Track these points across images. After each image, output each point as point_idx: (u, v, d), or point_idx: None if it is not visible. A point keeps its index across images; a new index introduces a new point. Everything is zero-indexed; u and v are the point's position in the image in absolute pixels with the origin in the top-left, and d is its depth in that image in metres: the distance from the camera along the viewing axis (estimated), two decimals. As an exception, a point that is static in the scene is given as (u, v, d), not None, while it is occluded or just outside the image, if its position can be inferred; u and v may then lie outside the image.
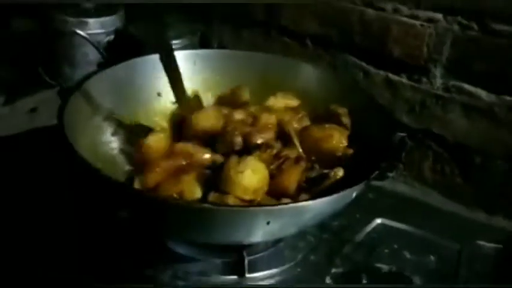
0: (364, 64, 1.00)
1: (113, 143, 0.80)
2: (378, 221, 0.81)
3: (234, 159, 0.70)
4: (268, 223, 0.61)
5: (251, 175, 0.69)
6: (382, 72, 0.98)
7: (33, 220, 0.78)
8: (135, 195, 0.65)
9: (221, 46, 1.16)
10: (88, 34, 1.09)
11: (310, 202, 0.63)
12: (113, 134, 0.81)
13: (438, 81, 0.92)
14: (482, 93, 0.89)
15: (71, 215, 0.78)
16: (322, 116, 0.82)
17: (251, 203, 0.68)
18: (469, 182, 0.93)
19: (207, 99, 0.90)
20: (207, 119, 0.80)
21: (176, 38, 1.10)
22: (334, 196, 0.62)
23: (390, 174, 0.66)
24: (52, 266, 0.70)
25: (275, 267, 0.73)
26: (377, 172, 0.65)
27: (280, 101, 0.85)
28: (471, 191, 0.93)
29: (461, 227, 0.84)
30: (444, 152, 0.95)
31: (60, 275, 0.70)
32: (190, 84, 0.88)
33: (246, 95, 0.87)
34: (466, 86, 0.90)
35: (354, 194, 0.66)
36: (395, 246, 0.77)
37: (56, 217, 0.78)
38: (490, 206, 0.91)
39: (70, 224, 0.77)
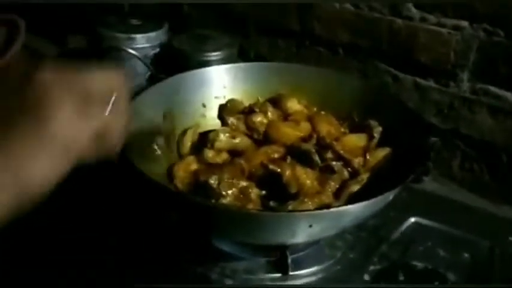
0: (392, 70, 0.97)
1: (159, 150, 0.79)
2: (412, 219, 0.78)
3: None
4: (310, 226, 0.60)
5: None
6: (410, 77, 0.96)
7: (96, 221, 0.77)
8: (190, 202, 0.64)
9: (258, 56, 1.15)
10: (136, 48, 1.09)
11: (349, 206, 0.61)
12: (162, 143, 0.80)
13: (465, 85, 0.89)
14: (508, 94, 0.85)
15: (129, 219, 0.78)
16: (357, 126, 0.81)
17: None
18: (497, 179, 0.90)
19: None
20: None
21: (216, 50, 1.09)
22: (372, 200, 0.61)
23: (425, 178, 0.64)
24: (113, 264, 0.70)
25: (316, 264, 0.72)
26: (413, 176, 0.63)
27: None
28: (498, 188, 0.90)
29: (491, 223, 0.81)
30: (472, 150, 0.92)
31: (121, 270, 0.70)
32: (232, 95, 0.88)
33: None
34: (492, 89, 0.87)
35: (391, 197, 0.64)
36: (429, 244, 0.74)
37: (115, 220, 0.78)
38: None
39: (129, 227, 0.77)
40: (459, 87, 0.90)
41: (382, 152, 0.75)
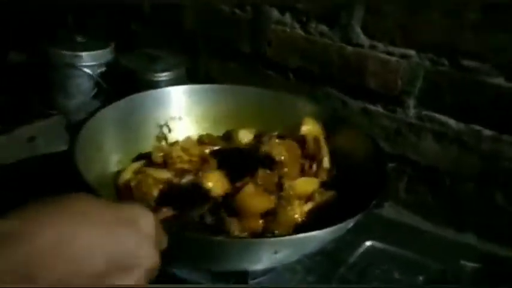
0: (342, 95, 0.99)
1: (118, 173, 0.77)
2: (367, 243, 0.79)
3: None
4: (275, 252, 0.60)
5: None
6: (359, 102, 0.98)
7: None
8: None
9: (208, 78, 1.14)
10: (81, 66, 1.05)
11: (315, 232, 0.61)
12: (118, 165, 0.77)
13: (411, 111, 0.92)
14: (452, 122, 0.89)
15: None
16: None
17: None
18: (440, 202, 0.94)
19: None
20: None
21: (164, 70, 1.06)
22: (337, 226, 0.61)
23: (386, 204, 0.65)
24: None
25: (276, 290, 0.71)
26: (374, 202, 0.64)
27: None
28: (441, 211, 0.94)
29: (441, 246, 0.83)
30: (417, 174, 0.95)
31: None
32: (187, 116, 0.87)
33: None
34: (437, 116, 0.90)
35: (352, 223, 0.65)
36: (385, 267, 0.76)
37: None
38: (459, 224, 0.92)
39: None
40: (406, 113, 0.93)
41: (326, 195, 0.76)
